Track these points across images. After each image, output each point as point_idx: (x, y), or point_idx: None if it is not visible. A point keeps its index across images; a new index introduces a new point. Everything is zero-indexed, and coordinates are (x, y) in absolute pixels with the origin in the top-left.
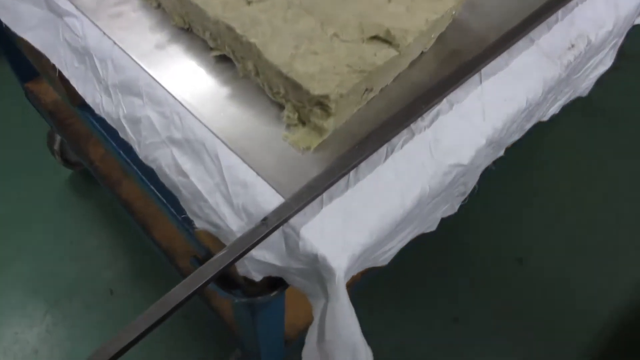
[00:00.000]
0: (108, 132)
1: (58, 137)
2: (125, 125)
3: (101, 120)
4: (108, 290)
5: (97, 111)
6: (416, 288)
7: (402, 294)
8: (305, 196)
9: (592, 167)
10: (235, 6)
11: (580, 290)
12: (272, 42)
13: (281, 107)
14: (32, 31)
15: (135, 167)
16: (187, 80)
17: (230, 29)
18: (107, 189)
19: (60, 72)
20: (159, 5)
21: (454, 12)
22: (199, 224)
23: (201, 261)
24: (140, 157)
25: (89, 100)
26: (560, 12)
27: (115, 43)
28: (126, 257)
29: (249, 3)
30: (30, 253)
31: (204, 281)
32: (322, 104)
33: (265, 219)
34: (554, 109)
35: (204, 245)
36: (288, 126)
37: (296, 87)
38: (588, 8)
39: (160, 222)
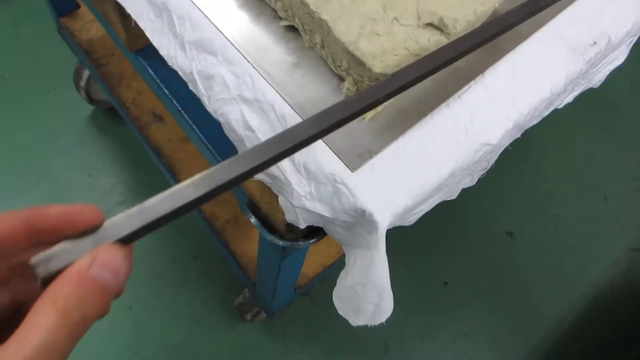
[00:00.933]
0: (163, 81)
1: (85, 74)
2: (198, 80)
3: (157, 69)
4: None
5: (169, 63)
6: (412, 251)
7: (398, 256)
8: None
9: (586, 152)
10: None
11: (562, 266)
12: (340, 21)
13: (341, 79)
14: None
15: (186, 116)
16: (258, 45)
17: (304, 3)
18: (136, 131)
19: (131, 21)
20: None
21: (497, 4)
22: (255, 175)
23: (250, 206)
24: (209, 109)
25: (163, 52)
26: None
27: (193, 3)
28: (142, 195)
29: None
30: (49, 182)
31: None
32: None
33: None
34: (569, 99)
35: (247, 193)
36: (346, 97)
37: (359, 63)
38: (614, 4)
39: (188, 168)
